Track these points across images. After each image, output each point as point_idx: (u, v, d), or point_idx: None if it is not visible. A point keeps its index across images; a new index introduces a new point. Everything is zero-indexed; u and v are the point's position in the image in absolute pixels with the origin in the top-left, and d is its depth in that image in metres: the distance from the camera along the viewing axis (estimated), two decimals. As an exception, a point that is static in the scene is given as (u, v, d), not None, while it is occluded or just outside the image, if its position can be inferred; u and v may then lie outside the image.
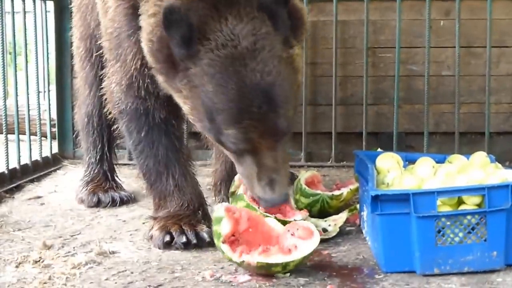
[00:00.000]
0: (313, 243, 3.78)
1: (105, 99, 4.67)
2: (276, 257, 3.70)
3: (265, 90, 3.67)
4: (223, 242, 3.76)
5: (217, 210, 3.88)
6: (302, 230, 3.83)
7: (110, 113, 4.63)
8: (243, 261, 3.69)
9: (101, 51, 4.74)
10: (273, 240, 3.86)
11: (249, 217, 3.88)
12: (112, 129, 4.93)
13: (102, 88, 4.76)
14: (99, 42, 4.80)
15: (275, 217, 4.12)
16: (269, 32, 3.75)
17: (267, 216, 4.12)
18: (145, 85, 4.24)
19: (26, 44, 6.47)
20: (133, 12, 4.10)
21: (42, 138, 6.60)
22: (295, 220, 4.12)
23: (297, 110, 4.01)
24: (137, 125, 4.38)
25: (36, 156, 6.43)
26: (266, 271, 3.72)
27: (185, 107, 3.92)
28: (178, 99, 3.95)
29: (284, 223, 4.06)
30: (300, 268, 3.82)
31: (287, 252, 3.72)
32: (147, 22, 3.90)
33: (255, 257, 3.68)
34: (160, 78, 3.98)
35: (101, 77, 4.89)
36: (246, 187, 4.08)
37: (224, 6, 3.71)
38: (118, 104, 4.41)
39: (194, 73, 3.74)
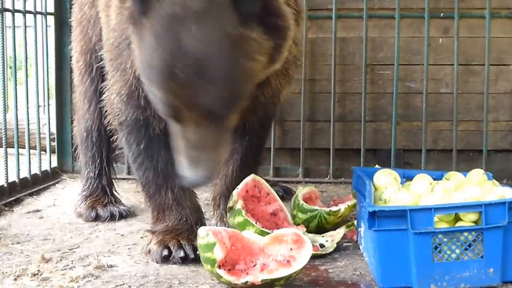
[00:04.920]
0: (308, 249, 3.81)
1: (106, 111, 4.68)
2: (278, 272, 3.72)
3: (196, 58, 3.47)
4: (219, 267, 3.76)
5: (204, 236, 3.85)
6: (292, 236, 3.87)
7: (110, 124, 4.63)
8: (247, 282, 3.70)
9: (101, 63, 4.76)
10: (256, 253, 3.88)
11: (229, 235, 3.89)
12: (111, 142, 4.94)
13: (101, 101, 4.76)
14: (99, 54, 4.81)
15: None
16: (225, 4, 3.56)
17: (265, 232, 4.14)
18: (144, 94, 4.19)
19: (26, 59, 6.49)
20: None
21: (42, 152, 6.60)
22: None
23: (242, 101, 3.75)
24: (136, 137, 4.39)
25: (35, 170, 6.44)
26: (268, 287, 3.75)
27: (136, 62, 3.85)
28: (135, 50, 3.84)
29: (263, 234, 4.09)
30: (297, 284, 3.84)
31: (287, 265, 3.75)
32: None
33: (258, 276, 3.70)
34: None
35: (101, 91, 4.88)
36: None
37: None
38: (119, 115, 4.41)
39: (144, 26, 3.62)
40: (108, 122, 4.67)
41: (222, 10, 3.54)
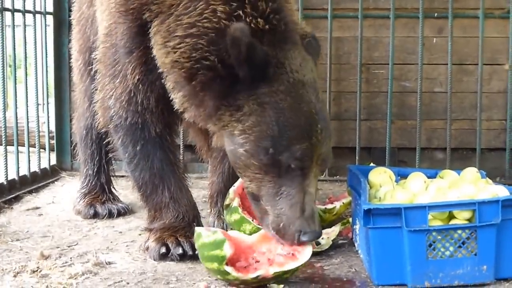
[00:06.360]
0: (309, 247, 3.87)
1: (96, 113, 4.68)
2: (288, 265, 3.78)
3: (325, 118, 3.97)
4: (226, 264, 3.76)
5: (210, 234, 3.85)
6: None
7: (103, 127, 4.60)
8: (258, 276, 3.73)
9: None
10: (245, 250, 3.91)
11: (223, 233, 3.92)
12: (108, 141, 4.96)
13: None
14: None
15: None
16: (313, 68, 4.11)
17: (260, 229, 4.18)
18: (143, 99, 4.29)
19: (26, 57, 6.51)
20: (139, 30, 4.19)
21: (41, 150, 6.63)
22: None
23: None
24: (132, 139, 4.41)
25: (34, 168, 6.47)
26: (276, 280, 3.79)
27: (241, 125, 3.91)
28: (230, 117, 3.94)
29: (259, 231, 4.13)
30: (293, 281, 3.88)
31: (293, 257, 3.80)
32: (184, 43, 3.96)
33: (270, 269, 3.75)
34: (194, 95, 4.02)
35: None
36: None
37: (289, 43, 4.01)
38: (114, 118, 4.43)
39: (265, 92, 3.87)
40: (99, 124, 4.65)
41: (315, 69, 4.12)
